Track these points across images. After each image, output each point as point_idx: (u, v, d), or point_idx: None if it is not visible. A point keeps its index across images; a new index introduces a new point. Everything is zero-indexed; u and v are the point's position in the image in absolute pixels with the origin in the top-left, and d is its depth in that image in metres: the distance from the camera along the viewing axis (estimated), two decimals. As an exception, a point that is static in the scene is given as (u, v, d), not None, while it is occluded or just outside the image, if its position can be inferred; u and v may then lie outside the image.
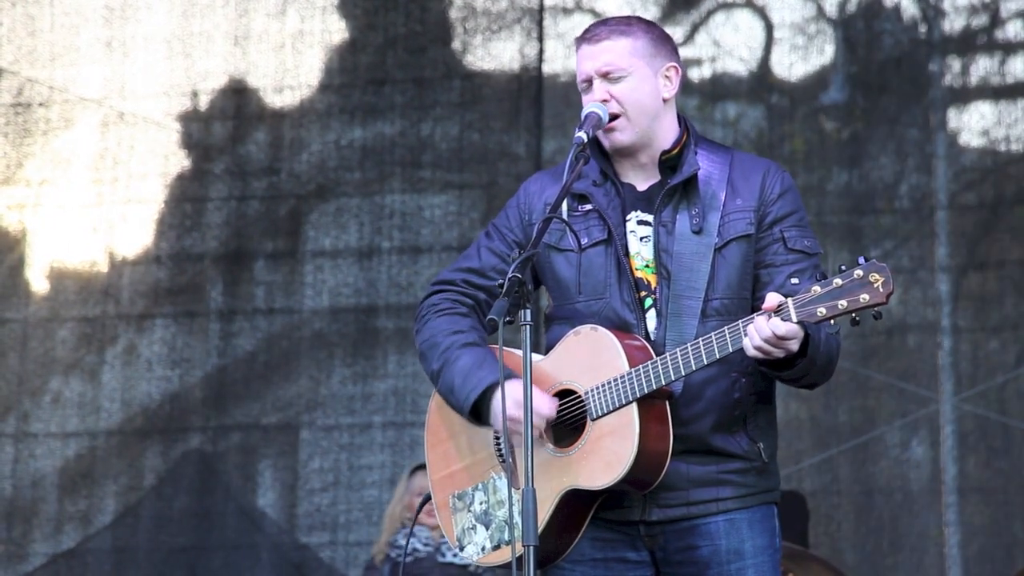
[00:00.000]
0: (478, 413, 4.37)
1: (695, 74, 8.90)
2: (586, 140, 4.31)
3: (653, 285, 4.38)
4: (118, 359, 9.19)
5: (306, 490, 8.96)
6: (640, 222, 4.41)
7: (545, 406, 4.27)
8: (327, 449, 8.96)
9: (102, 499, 9.08)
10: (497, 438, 4.43)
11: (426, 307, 4.57)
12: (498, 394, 4.28)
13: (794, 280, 4.23)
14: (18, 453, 9.12)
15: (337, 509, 8.84)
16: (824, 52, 8.87)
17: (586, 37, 4.45)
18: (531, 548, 3.96)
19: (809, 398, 8.56)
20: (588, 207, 4.42)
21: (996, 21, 8.77)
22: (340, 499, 8.87)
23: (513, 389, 4.21)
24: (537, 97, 9.01)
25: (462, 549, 4.48)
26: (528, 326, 4.06)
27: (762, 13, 8.95)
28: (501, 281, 4.07)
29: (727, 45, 8.89)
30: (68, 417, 9.15)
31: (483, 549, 4.44)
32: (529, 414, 4.05)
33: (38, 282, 9.36)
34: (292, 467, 9.05)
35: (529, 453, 4.00)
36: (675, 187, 4.39)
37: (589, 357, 4.31)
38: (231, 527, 9.01)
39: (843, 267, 4.05)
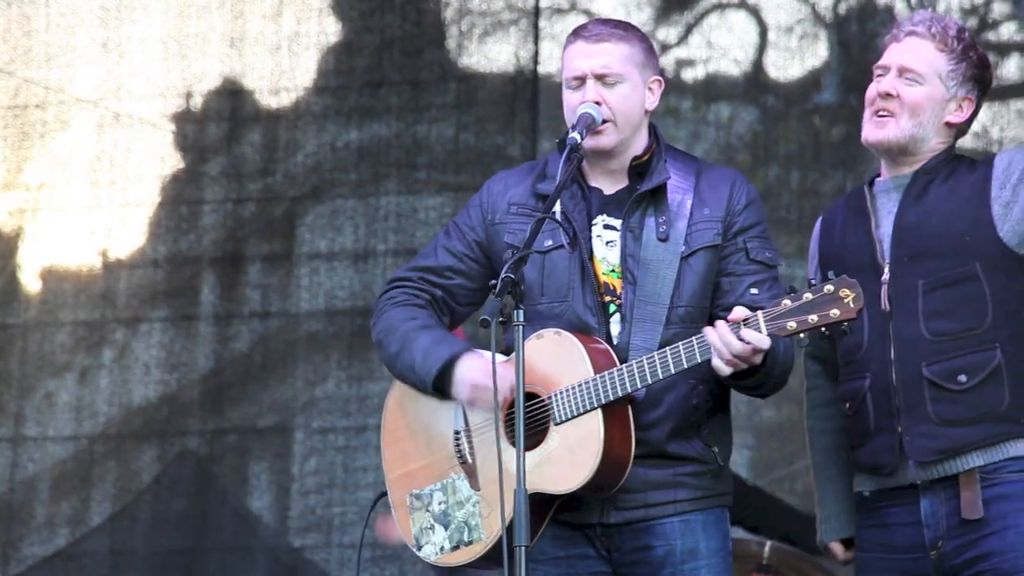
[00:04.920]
0: (440, 390, 4.37)
1: (689, 75, 8.90)
2: (580, 140, 4.32)
3: (618, 290, 4.38)
4: (114, 362, 9.18)
5: (301, 492, 8.94)
6: (606, 226, 4.43)
7: (511, 375, 4.23)
8: (322, 451, 8.94)
9: (98, 502, 9.07)
10: (457, 438, 4.43)
11: (383, 301, 4.58)
12: (460, 365, 4.29)
13: (753, 290, 4.31)
14: (16, 456, 9.12)
15: (332, 511, 8.82)
16: (818, 54, 8.87)
17: (583, 35, 4.44)
18: (523, 549, 3.96)
19: (803, 400, 8.52)
20: (553, 210, 4.41)
21: (988, 23, 8.75)
22: (335, 501, 8.85)
23: (480, 361, 4.21)
24: (533, 99, 9.00)
25: (419, 549, 4.47)
26: (521, 326, 4.07)
27: (756, 14, 8.95)
28: (494, 281, 4.08)
29: (721, 46, 8.88)
30: (64, 420, 9.14)
31: (442, 549, 4.44)
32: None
33: (34, 285, 9.36)
34: (287, 469, 9.04)
35: (521, 454, 4.02)
36: (644, 194, 4.39)
37: (552, 361, 4.30)
38: (226, 529, 9.00)
39: (813, 281, 4.10)
